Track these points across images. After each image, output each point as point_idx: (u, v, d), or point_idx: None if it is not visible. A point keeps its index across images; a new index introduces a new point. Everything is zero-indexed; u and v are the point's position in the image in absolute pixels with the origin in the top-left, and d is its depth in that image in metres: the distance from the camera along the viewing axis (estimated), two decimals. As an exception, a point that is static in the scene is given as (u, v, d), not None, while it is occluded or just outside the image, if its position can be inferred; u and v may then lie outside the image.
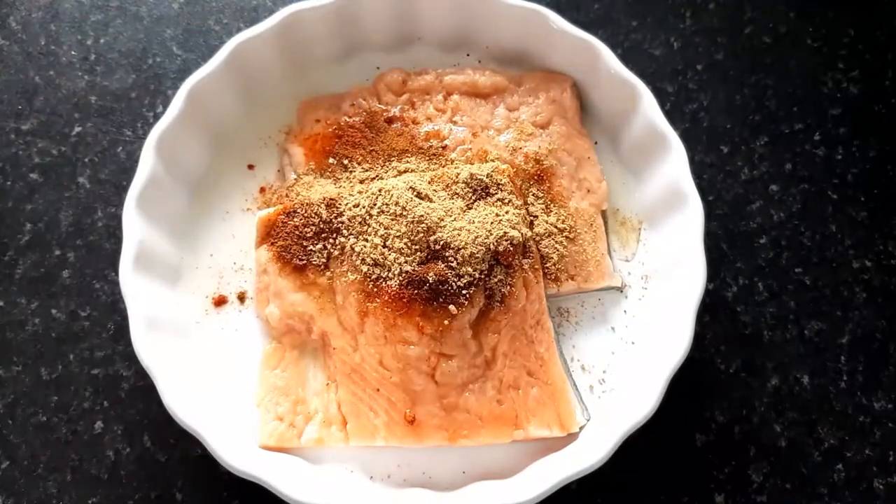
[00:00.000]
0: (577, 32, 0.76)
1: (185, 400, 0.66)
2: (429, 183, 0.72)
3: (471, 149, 0.78)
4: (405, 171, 0.76)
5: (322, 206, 0.72)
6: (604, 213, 0.78)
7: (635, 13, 0.93)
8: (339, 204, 0.72)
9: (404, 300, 0.67)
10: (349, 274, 0.70)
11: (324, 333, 0.71)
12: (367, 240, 0.69)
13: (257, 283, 0.75)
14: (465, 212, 0.71)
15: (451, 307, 0.67)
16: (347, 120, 0.79)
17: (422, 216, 0.68)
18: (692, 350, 0.68)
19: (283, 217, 0.73)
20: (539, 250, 0.74)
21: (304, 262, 0.71)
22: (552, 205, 0.76)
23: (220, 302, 0.75)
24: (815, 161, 0.88)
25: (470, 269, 0.68)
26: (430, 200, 0.71)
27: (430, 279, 0.67)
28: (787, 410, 0.78)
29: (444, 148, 0.78)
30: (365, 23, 0.80)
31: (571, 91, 0.80)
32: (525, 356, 0.71)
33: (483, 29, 0.81)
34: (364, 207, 0.70)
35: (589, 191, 0.78)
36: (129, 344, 0.68)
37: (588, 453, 0.66)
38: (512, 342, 0.70)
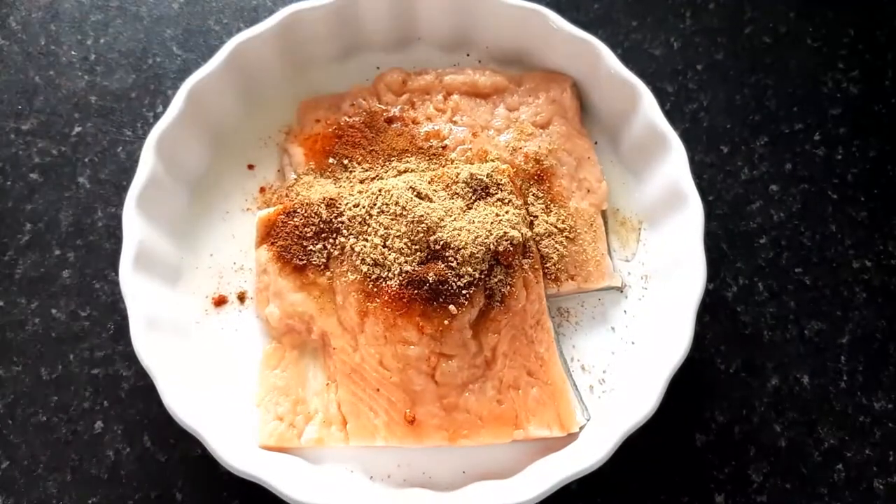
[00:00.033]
0: (577, 32, 0.76)
1: (185, 400, 0.66)
2: (429, 183, 0.72)
3: (471, 149, 0.78)
4: (405, 171, 0.76)
5: (322, 206, 0.72)
6: (604, 213, 0.78)
7: (635, 13, 0.93)
8: (339, 204, 0.72)
9: (404, 300, 0.67)
10: (349, 274, 0.70)
11: (324, 333, 0.71)
12: (367, 240, 0.69)
13: (257, 283, 0.75)
14: (465, 212, 0.71)
15: (451, 307, 0.67)
16: (347, 120, 0.79)
17: (422, 216, 0.68)
18: (692, 350, 0.68)
19: (283, 217, 0.73)
20: (539, 250, 0.74)
21: (304, 262, 0.71)
22: (552, 205, 0.76)
23: (220, 302, 0.75)
24: (815, 161, 0.88)
25: (470, 269, 0.68)
26: (430, 200, 0.71)
27: (430, 279, 0.67)
28: (787, 410, 0.78)
29: (444, 148, 0.78)
30: (365, 23, 0.80)
31: (571, 91, 0.80)
32: (525, 356, 0.71)
33: (483, 29, 0.81)
34: (364, 207, 0.70)
35: (589, 191, 0.78)
36: (129, 344, 0.68)
37: (588, 453, 0.66)
38: (512, 342, 0.70)
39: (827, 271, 0.83)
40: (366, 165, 0.77)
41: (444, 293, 0.67)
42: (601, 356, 0.74)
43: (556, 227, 0.75)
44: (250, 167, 0.80)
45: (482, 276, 0.69)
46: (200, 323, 0.74)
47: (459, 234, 0.68)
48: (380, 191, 0.70)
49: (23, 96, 0.87)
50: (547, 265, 0.74)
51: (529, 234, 0.73)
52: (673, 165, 0.73)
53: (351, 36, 0.81)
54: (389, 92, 0.81)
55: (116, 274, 0.69)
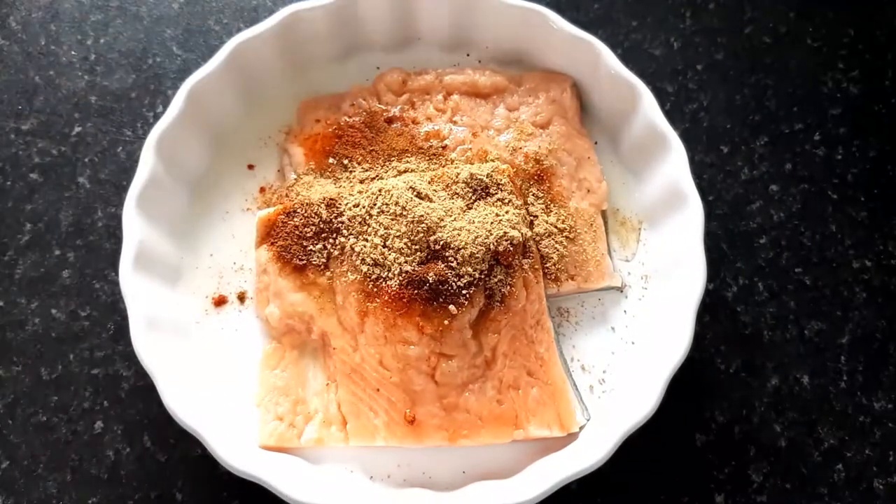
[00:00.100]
0: (577, 32, 0.76)
1: (185, 400, 0.66)
2: (429, 183, 0.72)
3: (471, 149, 0.78)
4: (405, 171, 0.76)
5: (322, 206, 0.72)
6: (604, 213, 0.78)
7: (635, 13, 0.93)
8: (339, 204, 0.72)
9: (404, 300, 0.67)
10: (349, 274, 0.70)
11: (324, 333, 0.71)
12: (367, 240, 0.69)
13: (257, 283, 0.75)
14: (465, 212, 0.71)
15: (451, 307, 0.67)
16: (347, 120, 0.79)
17: (422, 216, 0.68)
18: (692, 350, 0.68)
19: (283, 217, 0.73)
20: (539, 250, 0.74)
21: (304, 262, 0.71)
22: (552, 205, 0.76)
23: (220, 302, 0.75)
24: (815, 161, 0.88)
25: (470, 269, 0.68)
26: (430, 200, 0.71)
27: (430, 279, 0.67)
28: (787, 410, 0.78)
29: (444, 148, 0.78)
30: (365, 23, 0.80)
31: (571, 91, 0.80)
32: (525, 356, 0.71)
33: (483, 29, 0.81)
34: (364, 207, 0.70)
35: (589, 191, 0.78)
36: (129, 344, 0.68)
37: (588, 453, 0.66)
38: (512, 342, 0.70)
39: (827, 271, 0.83)
40: (366, 165, 0.77)
41: (444, 293, 0.67)
42: (601, 356, 0.74)
43: (556, 227, 0.75)
44: (250, 167, 0.80)
45: (482, 276, 0.69)
46: (200, 323, 0.74)
47: (459, 234, 0.68)
48: (380, 191, 0.70)
49: (23, 96, 0.87)
50: (547, 265, 0.74)
51: (529, 234, 0.73)
52: (673, 165, 0.73)
53: (351, 36, 0.81)
54: (389, 92, 0.81)
55: (116, 274, 0.69)
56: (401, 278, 0.68)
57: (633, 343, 0.75)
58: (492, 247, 0.69)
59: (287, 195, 0.77)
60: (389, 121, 0.79)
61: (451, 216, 0.70)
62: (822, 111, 0.90)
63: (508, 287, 0.70)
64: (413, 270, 0.68)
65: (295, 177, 0.78)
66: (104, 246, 0.82)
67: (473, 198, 0.72)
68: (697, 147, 0.87)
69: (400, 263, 0.68)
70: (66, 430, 0.76)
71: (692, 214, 0.71)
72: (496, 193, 0.72)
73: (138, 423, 0.76)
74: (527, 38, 0.80)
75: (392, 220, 0.69)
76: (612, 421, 0.68)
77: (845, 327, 0.81)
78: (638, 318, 0.75)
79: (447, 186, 0.72)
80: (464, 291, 0.68)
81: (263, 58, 0.77)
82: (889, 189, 0.86)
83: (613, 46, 0.77)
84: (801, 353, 0.80)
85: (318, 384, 0.72)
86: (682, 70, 0.91)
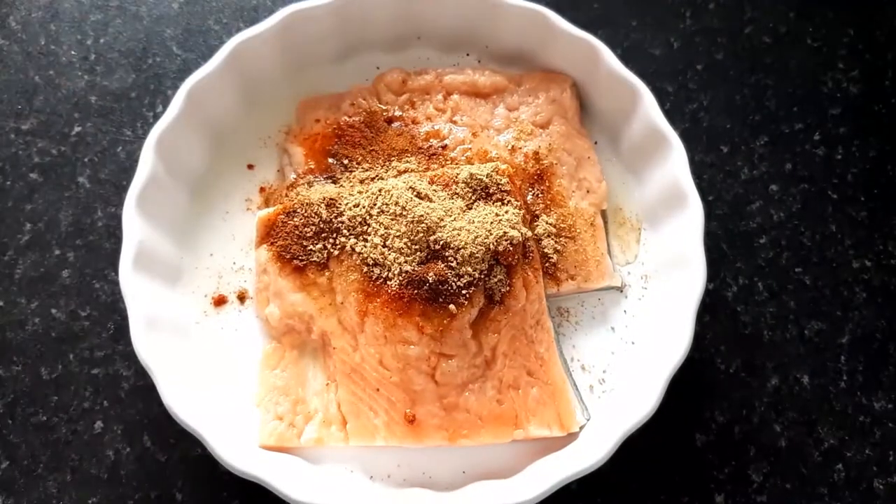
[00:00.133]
0: (577, 32, 0.76)
1: (185, 400, 0.66)
2: (429, 183, 0.72)
3: (471, 149, 0.78)
4: (405, 171, 0.76)
5: (322, 206, 0.72)
6: (604, 213, 0.78)
7: (635, 13, 0.93)
8: (339, 204, 0.72)
9: (404, 300, 0.67)
10: (349, 274, 0.70)
11: (324, 333, 0.71)
12: (367, 240, 0.69)
13: (257, 283, 0.75)
14: (465, 212, 0.71)
15: (451, 307, 0.67)
16: (347, 120, 0.79)
17: (422, 216, 0.68)
18: (692, 350, 0.68)
19: (283, 217, 0.73)
20: (539, 250, 0.74)
21: (304, 262, 0.71)
22: (552, 205, 0.76)
23: (220, 302, 0.75)
24: (815, 161, 0.88)
25: (470, 269, 0.68)
26: (430, 200, 0.71)
27: (430, 279, 0.67)
28: (787, 410, 0.78)
29: (444, 148, 0.78)
30: (365, 23, 0.80)
31: (571, 91, 0.80)
32: (525, 356, 0.71)
33: (483, 29, 0.81)
34: (364, 207, 0.70)
35: (589, 191, 0.78)
36: (129, 344, 0.68)
37: (588, 453, 0.66)
38: (512, 342, 0.70)
39: (827, 271, 0.83)
40: (366, 165, 0.77)
41: (444, 293, 0.67)
42: (601, 356, 0.74)
43: (556, 226, 0.75)
44: (250, 167, 0.80)
45: (482, 276, 0.69)
46: (200, 323, 0.74)
47: (459, 234, 0.68)
48: (380, 191, 0.70)
49: (23, 96, 0.87)
50: (547, 265, 0.74)
51: (529, 234, 0.73)
52: (673, 165, 0.73)
53: (351, 36, 0.81)
54: (389, 92, 0.81)
55: (116, 274, 0.69)
56: (401, 278, 0.68)
57: (633, 343, 0.75)
58: (492, 247, 0.69)
59: (287, 195, 0.77)
60: (389, 121, 0.80)
61: (451, 216, 0.70)
62: (822, 111, 0.90)
63: (508, 287, 0.70)
64: (413, 270, 0.68)
65: (295, 177, 0.78)
66: (104, 246, 0.82)
67: (473, 198, 0.72)
68: (697, 147, 0.87)
69: (400, 263, 0.68)
70: (66, 430, 0.76)
71: (692, 214, 0.71)
72: (496, 193, 0.72)
73: (138, 423, 0.76)
74: (527, 37, 0.80)
75: (392, 220, 0.69)
76: (612, 421, 0.68)
77: (845, 327, 0.81)
78: (638, 318, 0.75)
79: (447, 186, 0.72)
80: (464, 291, 0.68)
81: (263, 58, 0.77)
82: (889, 189, 0.86)
83: (613, 46, 0.76)
84: (801, 353, 0.80)
85: (318, 384, 0.72)
86: (682, 70, 0.91)
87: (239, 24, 0.92)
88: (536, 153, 0.77)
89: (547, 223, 0.75)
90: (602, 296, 0.76)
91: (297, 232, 0.72)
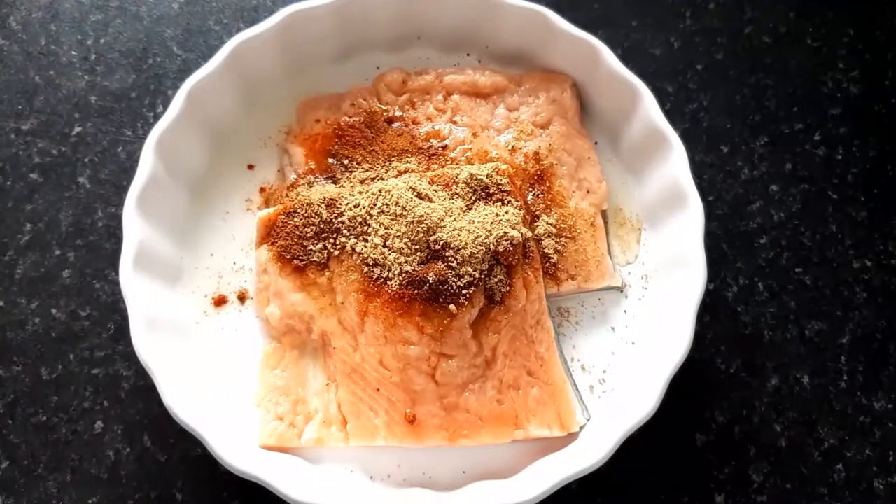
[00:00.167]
0: (578, 32, 0.76)
1: (185, 400, 0.66)
2: (429, 183, 0.72)
3: (471, 149, 0.78)
4: (405, 171, 0.76)
5: (322, 206, 0.72)
6: (604, 213, 0.78)
7: (635, 13, 0.93)
8: (339, 204, 0.72)
9: (404, 300, 0.67)
10: (349, 274, 0.70)
11: (324, 333, 0.71)
12: (367, 240, 0.69)
13: (257, 283, 0.75)
14: (465, 212, 0.71)
15: (451, 307, 0.67)
16: (347, 120, 0.79)
17: (422, 216, 0.68)
18: (692, 350, 0.68)
19: (283, 217, 0.73)
20: (539, 250, 0.74)
21: (305, 262, 0.71)
22: (552, 205, 0.76)
23: (220, 302, 0.75)
24: (815, 161, 0.88)
25: (470, 269, 0.68)
26: (430, 200, 0.71)
27: (431, 279, 0.67)
28: (787, 410, 0.78)
29: (444, 148, 0.78)
30: (365, 23, 0.80)
31: (571, 91, 0.80)
32: (525, 356, 0.71)
33: (483, 29, 0.81)
34: (364, 207, 0.70)
35: (589, 191, 0.78)
36: (129, 344, 0.68)
37: (588, 453, 0.66)
38: (512, 342, 0.70)
39: (827, 271, 0.83)
40: (366, 165, 0.77)
41: (444, 293, 0.67)
42: (601, 356, 0.74)
43: (556, 227, 0.75)
44: (250, 167, 0.80)
45: (482, 276, 0.69)
46: (200, 323, 0.74)
47: (459, 234, 0.68)
48: (380, 191, 0.70)
49: (23, 96, 0.87)
50: (547, 265, 0.74)
51: (529, 234, 0.73)
52: (673, 165, 0.73)
53: (351, 36, 0.81)
54: (389, 92, 0.81)
55: (116, 274, 0.69)
56: (401, 278, 0.68)
57: (633, 343, 0.75)
58: (492, 247, 0.69)
59: (287, 195, 0.77)
60: (389, 121, 0.80)
61: (451, 216, 0.70)
62: (822, 111, 0.90)
63: (508, 287, 0.70)
64: (413, 270, 0.68)
65: (295, 177, 0.78)
66: (104, 246, 0.82)
67: (473, 198, 0.72)
68: (697, 147, 0.87)
69: (400, 263, 0.68)
70: (66, 429, 0.76)
71: (692, 214, 0.71)
72: (496, 193, 0.72)
73: (138, 423, 0.76)
74: (527, 38, 0.80)
75: (392, 220, 0.69)
76: (612, 421, 0.68)
77: (845, 327, 0.81)
78: (638, 318, 0.75)
79: (447, 186, 0.72)
80: (464, 291, 0.68)
81: (263, 58, 0.77)
82: (889, 189, 0.87)
83: (613, 46, 0.76)
84: (801, 353, 0.80)
85: (318, 384, 0.72)
86: (682, 70, 0.91)
87: (239, 24, 0.92)
88: (536, 153, 0.77)
89: (547, 223, 0.75)
90: (602, 296, 0.76)
91: (297, 232, 0.72)
